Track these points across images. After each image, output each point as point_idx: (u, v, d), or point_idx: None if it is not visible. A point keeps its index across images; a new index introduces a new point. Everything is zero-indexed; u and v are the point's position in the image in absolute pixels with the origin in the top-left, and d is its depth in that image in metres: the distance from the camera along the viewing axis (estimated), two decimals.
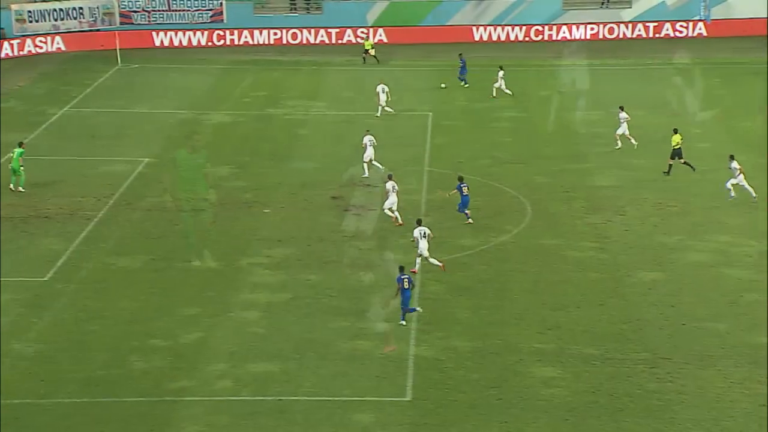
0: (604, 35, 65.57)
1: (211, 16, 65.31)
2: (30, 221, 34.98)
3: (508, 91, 49.76)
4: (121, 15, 64.52)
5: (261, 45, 64.52)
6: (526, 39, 65.39)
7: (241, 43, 64.68)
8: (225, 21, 65.27)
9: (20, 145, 38.26)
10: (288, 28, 65.10)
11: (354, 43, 64.74)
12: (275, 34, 65.02)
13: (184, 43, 64.35)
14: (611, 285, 30.37)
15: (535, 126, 47.41)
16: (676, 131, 39.76)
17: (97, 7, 63.99)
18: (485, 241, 33.46)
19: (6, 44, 60.64)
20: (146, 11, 64.69)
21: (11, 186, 37.65)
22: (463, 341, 26.84)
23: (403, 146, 43.80)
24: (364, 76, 56.15)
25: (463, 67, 52.43)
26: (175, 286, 30.18)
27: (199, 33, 64.50)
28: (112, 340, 26.90)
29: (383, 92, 47.37)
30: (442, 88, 43.72)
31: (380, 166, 38.16)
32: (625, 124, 42.93)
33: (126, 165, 41.33)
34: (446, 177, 39.72)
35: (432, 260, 30.48)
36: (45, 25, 62.60)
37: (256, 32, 64.95)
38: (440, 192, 34.54)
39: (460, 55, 52.63)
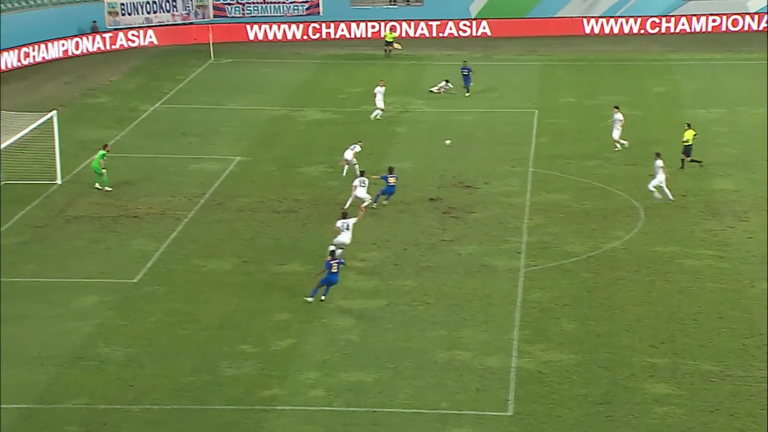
0: (727, 27, 64.05)
1: (306, 9, 66.02)
2: (119, 221, 35.84)
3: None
4: (215, 8, 65.73)
5: (358, 39, 64.96)
6: (642, 32, 64.34)
7: (338, 36, 65.25)
8: (321, 14, 65.93)
9: (104, 147, 39.09)
10: (386, 21, 65.39)
11: (456, 37, 64.72)
12: (373, 27, 65.39)
13: (279, 36, 65.22)
14: (732, 296, 29.61)
15: (650, 125, 46.59)
16: (689, 126, 38.75)
17: (191, 0, 65.29)
18: (594, 247, 32.98)
19: (98, 38, 62.38)
20: (240, 4, 65.75)
21: (97, 185, 38.64)
22: (569, 354, 26.50)
23: (505, 144, 43.54)
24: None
25: (467, 76, 50.46)
26: (266, 290, 30.52)
27: (294, 26, 65.30)
28: (202, 345, 27.31)
29: (380, 94, 47.01)
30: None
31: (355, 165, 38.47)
32: (619, 125, 41.50)
33: (217, 163, 42.01)
34: (551, 178, 39.37)
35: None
36: (137, 19, 64.19)
37: (353, 25, 65.44)
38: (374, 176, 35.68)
39: (465, 62, 51.38)
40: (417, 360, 26.28)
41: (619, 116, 41.99)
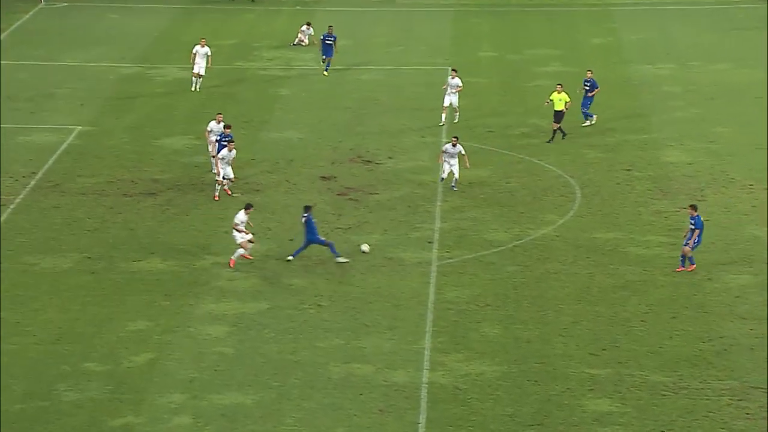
0: None
1: None
2: None
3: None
4: None
5: None
6: None
7: None
8: None
9: None
10: None
11: None
12: None
13: None
14: (686, 292, 30.37)
15: None
16: (561, 88, 40.12)
17: None
18: (520, 234, 33.45)
19: None
20: None
21: None
22: (492, 365, 26.87)
23: (413, 110, 43.81)
24: (364, 19, 56.14)
25: (330, 46, 47.38)
26: (117, 292, 30.24)
27: None
28: (34, 363, 26.91)
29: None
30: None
31: None
32: (455, 91, 41.63)
33: (52, 134, 41.40)
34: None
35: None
36: None
37: None
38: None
39: (330, 28, 47.96)
40: (307, 376, 26.36)
41: (456, 81, 41.57)
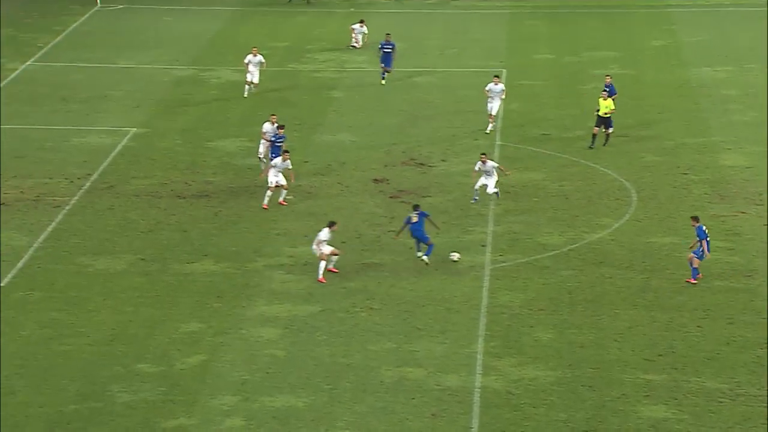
0: None
1: None
2: None
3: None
4: None
5: None
6: None
7: None
8: None
9: None
10: None
11: None
12: None
13: None
14: (744, 297, 30.16)
15: (645, 88, 47.18)
16: (608, 94, 39.38)
17: None
18: (575, 238, 33.36)
19: None
20: None
21: None
22: (545, 370, 26.83)
23: (466, 112, 43.80)
24: (418, 21, 56.20)
25: (389, 54, 46.20)
26: (170, 294, 30.48)
27: None
28: (88, 364, 27.17)
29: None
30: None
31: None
32: (499, 99, 41.01)
33: (107, 136, 41.77)
34: (523, 153, 39.67)
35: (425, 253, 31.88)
36: None
37: None
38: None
39: (388, 36, 46.90)
40: (359, 380, 26.43)
41: (500, 87, 40.86)
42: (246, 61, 45.21)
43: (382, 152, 40.06)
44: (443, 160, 39.42)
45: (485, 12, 59.08)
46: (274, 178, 35.37)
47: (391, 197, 36.39)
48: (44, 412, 25.29)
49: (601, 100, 39.66)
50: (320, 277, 30.97)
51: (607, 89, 40.39)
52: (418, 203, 32.82)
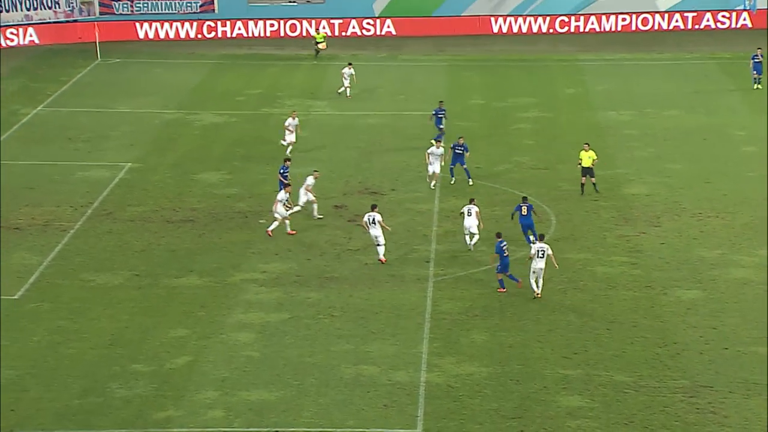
0: (636, 26, 65.65)
1: (200, 6, 65.59)
2: None
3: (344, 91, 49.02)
4: (101, 4, 64.81)
5: (256, 38, 64.80)
6: (551, 31, 65.54)
7: (234, 35, 64.97)
8: (216, 11, 65.57)
9: None
10: (286, 19, 65.36)
11: (359, 36, 64.97)
12: (272, 25, 65.30)
13: (171, 35, 64.64)
14: (645, 304, 30.33)
15: (561, 128, 47.48)
16: (588, 147, 38.50)
17: None
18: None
19: None
20: (129, 0, 64.95)
21: None
22: (480, 366, 26.83)
23: (412, 149, 43.86)
24: (370, 72, 56.29)
25: (440, 119, 43.78)
26: (160, 305, 30.24)
27: (187, 24, 64.78)
28: (91, 365, 26.94)
29: (348, 76, 51.03)
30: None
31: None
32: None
33: (106, 170, 41.47)
34: (460, 183, 39.75)
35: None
36: (16, 16, 62.91)
37: (251, 23, 65.25)
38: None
39: (441, 103, 44.67)
40: (322, 376, 26.32)
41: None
42: (286, 124, 42.92)
43: (341, 183, 40.02)
44: (393, 189, 39.44)
45: (427, 65, 59.31)
46: (284, 209, 34.72)
47: (348, 221, 36.35)
48: (53, 405, 25.00)
49: (583, 152, 38.50)
50: (289, 230, 33.09)
51: (461, 148, 38.85)
52: (526, 195, 34.45)
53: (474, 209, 33.37)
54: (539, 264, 30.29)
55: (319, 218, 35.86)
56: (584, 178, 38.77)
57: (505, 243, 30.63)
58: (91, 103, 51.25)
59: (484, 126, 47.89)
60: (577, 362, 27.04)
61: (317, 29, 62.07)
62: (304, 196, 36.34)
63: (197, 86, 54.73)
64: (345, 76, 51.43)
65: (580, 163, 38.82)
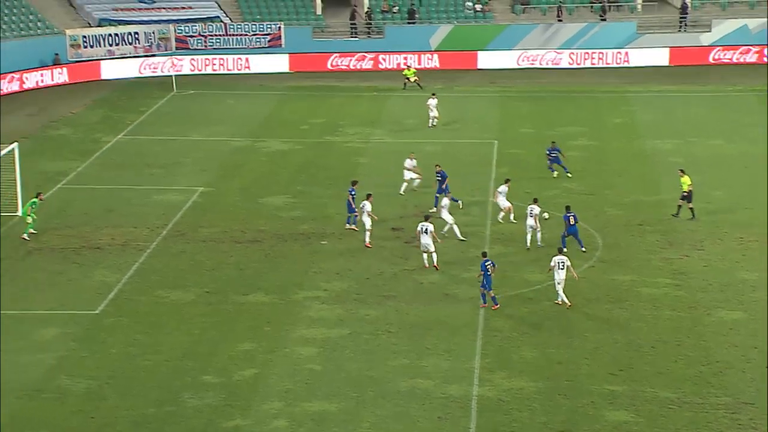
0: (682, 60, 64.99)
1: (269, 41, 66.23)
2: (81, 252, 35.59)
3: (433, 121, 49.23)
4: (177, 40, 65.70)
5: (320, 71, 65.20)
6: (598, 64, 65.11)
7: (300, 68, 65.38)
8: (283, 45, 66.13)
9: (37, 195, 37.08)
10: (348, 53, 65.72)
11: (417, 69, 65.08)
12: (335, 58, 65.64)
13: (242, 68, 65.25)
14: (689, 324, 29.90)
15: (607, 155, 47.08)
16: (683, 172, 38.03)
17: (153, 32, 65.28)
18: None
19: (59, 70, 62.07)
20: (203, 36, 65.82)
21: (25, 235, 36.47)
22: (529, 381, 26.60)
23: (466, 175, 43.76)
24: (424, 102, 56.32)
25: (556, 158, 42.90)
26: (229, 320, 30.41)
27: (256, 57, 65.36)
28: (164, 376, 27.15)
29: (434, 107, 50.17)
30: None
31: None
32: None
33: (180, 194, 41.90)
34: (513, 208, 39.54)
35: (434, 256, 33.19)
36: (100, 51, 64.01)
37: (315, 57, 65.64)
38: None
39: (553, 143, 43.61)
40: (379, 389, 26.27)
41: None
42: (406, 165, 41.98)
43: (398, 206, 40.03)
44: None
45: (480, 95, 59.25)
46: (368, 219, 35.64)
47: (405, 243, 36.33)
48: (129, 414, 25.21)
49: (680, 177, 37.87)
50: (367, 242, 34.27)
51: (439, 175, 38.24)
52: (569, 204, 35.17)
53: (430, 228, 33.33)
54: (561, 275, 30.40)
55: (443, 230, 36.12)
56: (682, 201, 38.01)
57: (489, 261, 30.31)
58: (167, 132, 51.87)
59: (534, 153, 47.63)
60: (623, 379, 26.71)
61: (406, 66, 62.07)
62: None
63: (265, 116, 55.16)
64: (431, 107, 50.59)
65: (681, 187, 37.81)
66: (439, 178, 39.37)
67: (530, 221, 35.09)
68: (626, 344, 28.61)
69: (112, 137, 50.80)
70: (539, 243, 34.97)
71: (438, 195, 38.92)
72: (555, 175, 42.98)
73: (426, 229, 33.21)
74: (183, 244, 36.44)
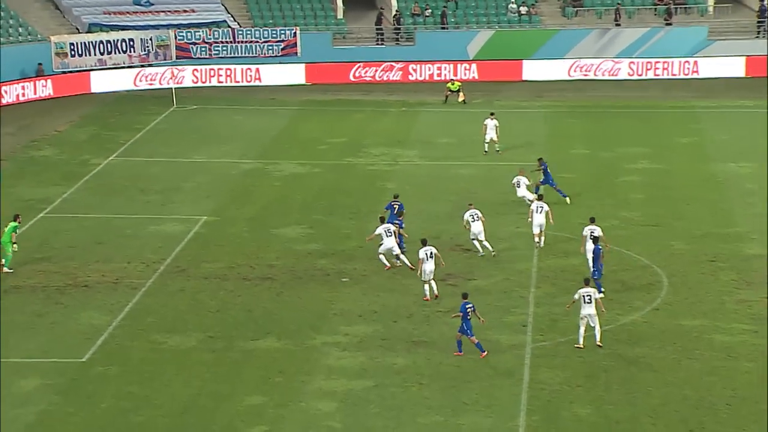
0: (758, 71, 64.83)
1: (282, 49, 66.73)
2: (66, 291, 35.80)
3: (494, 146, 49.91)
4: (178, 48, 66.33)
5: (341, 83, 65.57)
6: (663, 75, 65.11)
7: (317, 80, 65.81)
8: (299, 54, 66.62)
9: (15, 218, 37.57)
10: (373, 63, 66.05)
11: (447, 80, 65.27)
12: (357, 68, 66.02)
13: (251, 80, 65.74)
14: None
15: (673, 180, 46.95)
16: None
17: (150, 39, 65.91)
18: (610, 320, 33.01)
19: (43, 82, 62.72)
20: (207, 43, 66.39)
21: (2, 261, 36.92)
22: None
23: (508, 203, 43.76)
24: (462, 119, 56.56)
25: (547, 172, 43.42)
26: (236, 369, 30.45)
27: (268, 68, 65.83)
28: None
29: (493, 129, 49.78)
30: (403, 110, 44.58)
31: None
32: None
33: (180, 224, 42.12)
34: (561, 240, 39.46)
35: (433, 283, 34.19)
36: (89, 60, 64.68)
37: (335, 67, 66.05)
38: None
39: (540, 160, 44.21)
40: None
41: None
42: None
43: (431, 238, 39.92)
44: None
45: (525, 111, 59.33)
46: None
47: (439, 280, 36.25)
48: None
49: None
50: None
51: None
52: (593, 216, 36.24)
53: (434, 251, 34.44)
54: (587, 310, 30.59)
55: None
56: None
57: (470, 305, 30.56)
58: (166, 152, 52.25)
59: (587, 178, 47.58)
60: None
61: (451, 80, 62.32)
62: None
63: (277, 134, 55.48)
64: (489, 128, 49.97)
65: None
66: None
67: (590, 245, 35.10)
68: (697, 401, 28.38)
69: (102, 159, 51.21)
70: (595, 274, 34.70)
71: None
72: (569, 201, 43.27)
73: (431, 253, 34.13)
74: (183, 282, 36.58)
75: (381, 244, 36.59)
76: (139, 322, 33.44)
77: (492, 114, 51.06)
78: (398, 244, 37.10)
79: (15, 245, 37.04)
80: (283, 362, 30.70)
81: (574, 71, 65.72)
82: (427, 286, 34.49)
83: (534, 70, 65.88)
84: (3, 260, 37.16)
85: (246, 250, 39.46)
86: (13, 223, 37.49)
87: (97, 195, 46.12)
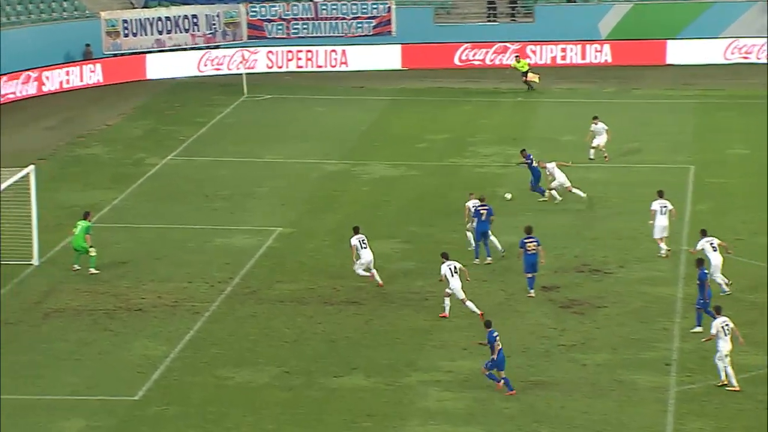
0: None
1: (374, 27, 67.02)
2: (116, 316, 36.34)
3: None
4: (250, 26, 66.95)
5: (444, 68, 65.65)
6: None
7: (416, 64, 66.00)
8: (393, 33, 66.85)
9: (85, 216, 39.02)
10: (483, 43, 66.01)
11: (579, 65, 65.03)
12: (464, 51, 66.08)
13: (336, 64, 66.14)
14: None
15: None
16: None
17: (217, 15, 66.58)
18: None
19: (91, 67, 63.70)
20: (284, 20, 66.93)
21: (76, 265, 38.82)
22: None
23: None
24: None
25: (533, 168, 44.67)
26: (316, 411, 30.60)
27: (357, 49, 66.18)
28: None
29: (603, 131, 49.59)
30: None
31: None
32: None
33: (251, 237, 42.50)
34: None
35: (468, 304, 34.60)
36: (145, 41, 65.60)
37: (437, 48, 66.17)
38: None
39: (523, 151, 45.48)
40: None
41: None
42: (653, 208, 41.29)
43: (552, 256, 39.77)
44: (621, 267, 38.98)
45: (670, 102, 58.79)
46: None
47: (561, 307, 36.10)
48: None
49: None
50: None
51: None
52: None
53: (459, 266, 35.31)
54: (727, 345, 30.52)
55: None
56: None
57: (496, 333, 30.73)
58: (234, 151, 52.77)
59: (747, 183, 46.94)
60: None
61: (518, 57, 62.19)
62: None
63: (367, 129, 55.70)
64: (597, 132, 49.81)
65: None
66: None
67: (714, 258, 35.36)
68: None
69: (159, 158, 51.92)
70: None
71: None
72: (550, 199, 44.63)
73: (455, 268, 35.11)
74: (254, 306, 36.90)
75: (448, 288, 35.45)
76: (202, 354, 33.80)
77: (595, 118, 50.26)
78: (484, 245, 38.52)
79: (92, 249, 38.24)
80: (372, 403, 30.78)
81: (732, 53, 65.00)
82: (447, 300, 35.21)
83: (681, 52, 65.31)
84: (76, 265, 38.55)
85: (329, 268, 39.68)
86: (84, 223, 38.68)
87: (153, 201, 46.75)
